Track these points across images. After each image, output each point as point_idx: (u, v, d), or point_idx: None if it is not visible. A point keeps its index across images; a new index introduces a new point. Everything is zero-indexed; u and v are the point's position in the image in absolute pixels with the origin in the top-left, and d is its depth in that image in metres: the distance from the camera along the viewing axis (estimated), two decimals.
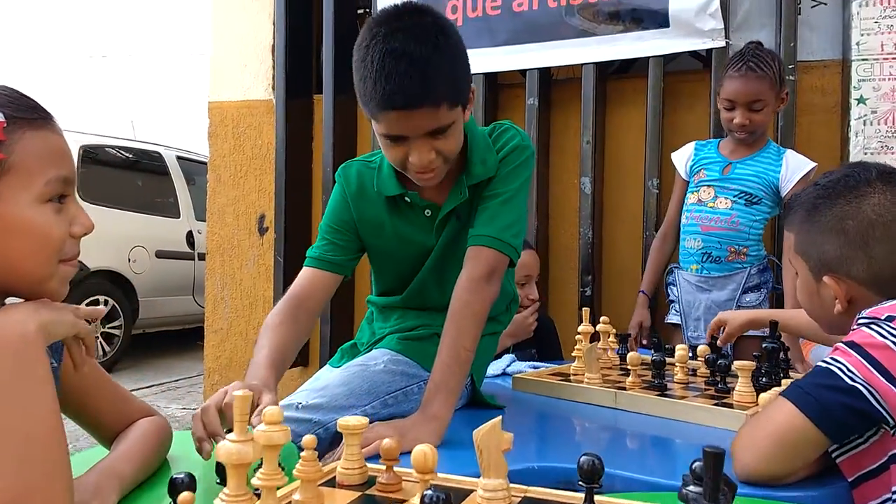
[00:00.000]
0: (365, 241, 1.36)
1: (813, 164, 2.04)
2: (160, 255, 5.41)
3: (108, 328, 4.99)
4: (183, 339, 5.94)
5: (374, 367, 1.24)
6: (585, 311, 1.65)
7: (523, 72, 2.77)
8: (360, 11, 3.44)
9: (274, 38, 3.27)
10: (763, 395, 1.17)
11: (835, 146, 2.44)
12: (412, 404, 1.24)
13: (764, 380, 1.37)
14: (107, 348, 4.97)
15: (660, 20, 2.51)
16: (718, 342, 1.56)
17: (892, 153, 2.19)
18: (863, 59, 2.21)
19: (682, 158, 2.22)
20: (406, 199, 1.30)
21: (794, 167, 2.03)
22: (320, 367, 3.13)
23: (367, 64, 1.13)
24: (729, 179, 2.07)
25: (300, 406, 1.16)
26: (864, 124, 2.22)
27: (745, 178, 2.05)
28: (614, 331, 1.72)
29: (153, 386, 4.56)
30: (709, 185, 2.10)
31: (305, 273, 1.31)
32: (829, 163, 2.42)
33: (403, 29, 1.13)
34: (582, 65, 2.66)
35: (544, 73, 2.76)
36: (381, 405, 1.21)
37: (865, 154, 2.22)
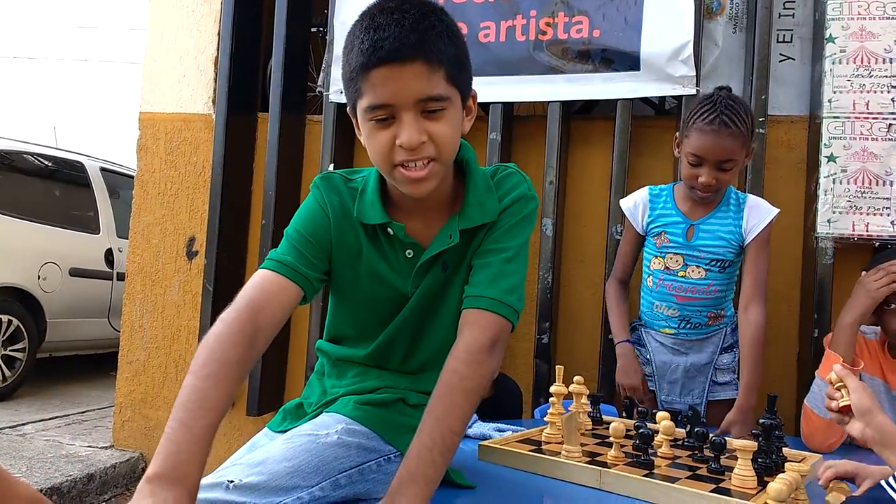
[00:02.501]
0: (336, 266, 1.14)
1: (776, 210, 1.86)
2: (74, 272, 4.98)
3: (10, 350, 4.53)
4: (94, 365, 5.46)
5: (325, 439, 1.03)
6: (559, 368, 1.49)
7: (485, 105, 2.64)
8: (313, 30, 3.26)
9: (218, 49, 3.04)
10: (772, 486, 1.03)
11: (799, 202, 2.40)
12: (369, 485, 1.04)
13: (761, 459, 1.24)
14: (7, 373, 4.50)
15: (630, 63, 2.43)
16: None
17: (861, 213, 2.14)
18: (834, 117, 2.17)
19: (634, 210, 1.98)
20: (388, 230, 1.11)
21: (756, 218, 1.84)
22: (248, 407, 2.94)
23: (355, 33, 1.00)
24: (696, 248, 1.86)
25: (232, 485, 0.94)
26: (834, 182, 2.17)
27: (713, 246, 1.85)
28: (587, 391, 1.56)
29: (57, 417, 4.12)
30: (675, 253, 1.88)
31: (265, 277, 1.04)
32: (792, 219, 2.38)
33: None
34: (548, 103, 2.55)
35: (507, 107, 2.64)
36: (331, 486, 1.00)
37: (834, 213, 2.17)
